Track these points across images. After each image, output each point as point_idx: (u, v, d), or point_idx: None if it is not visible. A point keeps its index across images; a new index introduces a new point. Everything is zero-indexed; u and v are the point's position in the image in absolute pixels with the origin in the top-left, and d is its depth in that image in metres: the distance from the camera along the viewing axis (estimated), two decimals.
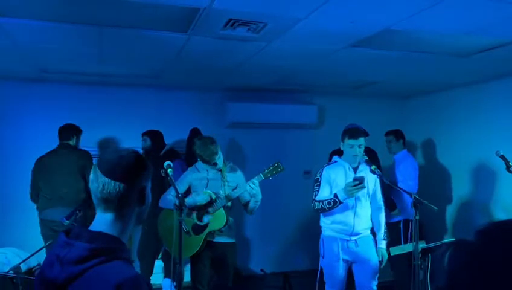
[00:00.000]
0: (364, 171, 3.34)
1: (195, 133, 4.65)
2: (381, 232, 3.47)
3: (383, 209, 3.52)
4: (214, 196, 3.36)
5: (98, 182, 1.29)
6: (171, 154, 4.55)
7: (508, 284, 0.72)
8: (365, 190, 3.29)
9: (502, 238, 0.79)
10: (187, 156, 4.63)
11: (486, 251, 0.78)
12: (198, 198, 3.39)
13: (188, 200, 3.28)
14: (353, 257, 3.37)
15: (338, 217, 3.33)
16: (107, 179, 1.28)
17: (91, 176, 1.34)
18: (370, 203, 3.45)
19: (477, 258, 0.78)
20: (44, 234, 4.11)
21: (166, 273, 4.61)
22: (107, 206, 1.31)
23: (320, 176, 3.39)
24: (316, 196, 3.35)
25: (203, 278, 3.47)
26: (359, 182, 3.08)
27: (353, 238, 3.34)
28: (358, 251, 3.35)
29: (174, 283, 2.48)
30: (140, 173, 1.34)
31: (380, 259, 3.40)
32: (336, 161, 3.45)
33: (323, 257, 3.43)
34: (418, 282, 2.91)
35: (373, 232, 3.50)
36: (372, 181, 3.38)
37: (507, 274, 0.73)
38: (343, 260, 3.35)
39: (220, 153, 3.44)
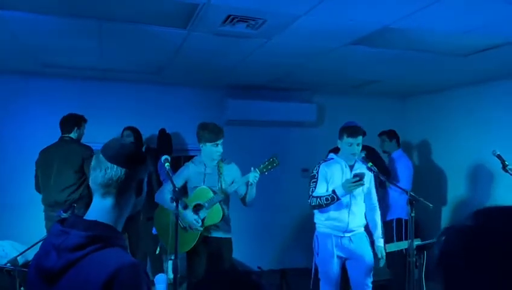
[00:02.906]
0: (360, 169, 3.34)
1: (163, 132, 5.12)
2: (378, 231, 3.49)
3: (377, 209, 3.55)
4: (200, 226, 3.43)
5: (101, 167, 1.33)
6: (148, 151, 4.70)
7: (507, 264, 0.71)
8: (361, 188, 3.29)
9: (502, 219, 0.78)
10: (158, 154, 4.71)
11: (485, 231, 0.76)
12: (188, 214, 3.42)
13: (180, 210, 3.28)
14: (347, 254, 3.38)
15: (333, 213, 3.34)
16: (109, 164, 1.32)
17: (92, 163, 1.37)
18: (364, 201, 3.46)
19: (476, 238, 0.76)
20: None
21: (160, 269, 4.65)
22: (106, 191, 1.33)
23: (317, 172, 3.39)
24: (312, 192, 3.33)
25: (198, 272, 3.48)
26: (359, 178, 3.09)
27: (347, 235, 3.35)
28: (352, 248, 3.36)
29: (169, 277, 2.49)
30: (140, 162, 1.38)
31: (380, 257, 3.41)
32: (332, 158, 3.45)
33: (317, 254, 3.44)
34: (413, 280, 2.93)
35: (368, 231, 3.51)
36: (367, 180, 3.36)
37: (506, 254, 0.72)
38: (337, 256, 3.36)
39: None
